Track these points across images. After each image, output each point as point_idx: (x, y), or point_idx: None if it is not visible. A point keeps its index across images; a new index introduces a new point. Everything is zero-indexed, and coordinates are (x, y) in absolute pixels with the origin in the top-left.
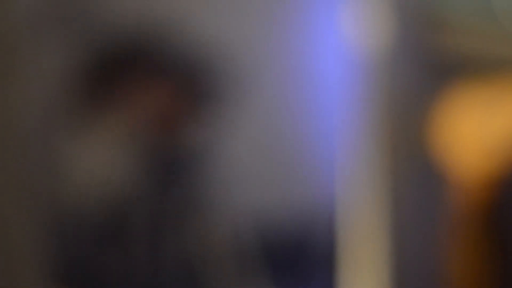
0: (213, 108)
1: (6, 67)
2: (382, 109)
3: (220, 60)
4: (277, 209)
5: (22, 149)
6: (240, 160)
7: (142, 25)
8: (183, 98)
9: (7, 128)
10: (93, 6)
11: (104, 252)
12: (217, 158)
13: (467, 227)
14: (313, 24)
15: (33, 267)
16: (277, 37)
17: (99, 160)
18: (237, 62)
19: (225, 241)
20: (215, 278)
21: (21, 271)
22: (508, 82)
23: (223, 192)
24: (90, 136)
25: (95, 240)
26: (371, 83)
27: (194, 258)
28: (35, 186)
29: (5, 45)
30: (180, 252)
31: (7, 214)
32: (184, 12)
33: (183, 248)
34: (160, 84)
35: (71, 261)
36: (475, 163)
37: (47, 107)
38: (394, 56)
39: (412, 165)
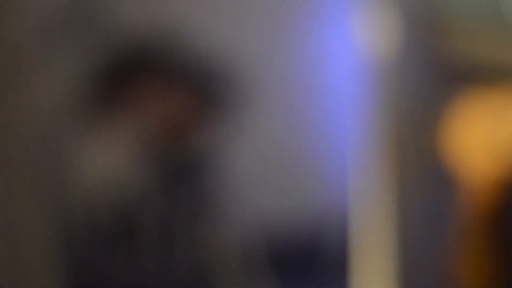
0: (223, 113)
1: (20, 73)
2: (391, 114)
3: (230, 66)
4: (287, 214)
5: (35, 151)
6: (249, 166)
7: (153, 32)
8: (193, 103)
9: (20, 131)
10: (104, 14)
11: (113, 255)
12: (226, 163)
13: (476, 230)
14: (322, 30)
15: (44, 269)
16: (286, 43)
17: (110, 163)
18: (247, 68)
19: (233, 245)
20: (223, 282)
21: (33, 273)
22: None
23: (232, 197)
24: (101, 140)
25: (104, 243)
26: (379, 88)
27: (203, 262)
28: (47, 188)
29: (19, 52)
30: (189, 255)
31: (19, 216)
32: (194, 19)
33: (192, 251)
34: (170, 89)
35: (80, 263)
36: (484, 167)
37: (59, 111)
38: (402, 62)
39: (422, 169)
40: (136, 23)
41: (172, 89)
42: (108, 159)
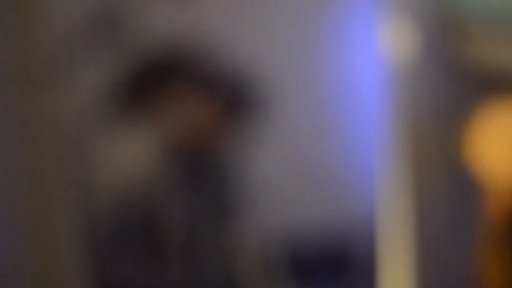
0: (247, 119)
1: (53, 77)
2: (414, 120)
3: (254, 71)
4: (310, 221)
5: (66, 150)
6: (272, 172)
7: (178, 39)
8: (216, 108)
9: (51, 133)
10: (132, 22)
11: (137, 254)
12: (249, 169)
13: (499, 233)
14: (346, 36)
15: (72, 270)
16: (310, 49)
17: (135, 163)
18: (272, 73)
19: (254, 252)
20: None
21: (61, 274)
22: None
23: (254, 203)
24: (127, 140)
25: (128, 243)
26: (402, 95)
27: (224, 266)
28: (76, 187)
29: (53, 57)
30: (212, 258)
31: (50, 216)
32: (218, 26)
33: (214, 255)
34: (194, 94)
35: (105, 264)
36: (507, 172)
37: (89, 113)
38: (424, 68)
39: (446, 175)
40: (162, 32)
41: (196, 94)
42: (134, 159)
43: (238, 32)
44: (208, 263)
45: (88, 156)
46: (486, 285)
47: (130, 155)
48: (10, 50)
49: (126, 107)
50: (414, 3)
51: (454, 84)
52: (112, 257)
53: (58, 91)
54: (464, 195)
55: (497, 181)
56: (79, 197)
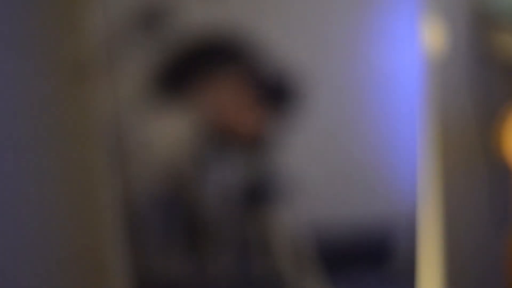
0: (285, 112)
1: (103, 66)
2: (449, 114)
3: (294, 65)
4: (345, 216)
5: (109, 136)
6: (308, 166)
7: (219, 30)
8: (254, 98)
9: (98, 121)
10: (172, 16)
11: (175, 243)
12: (284, 164)
13: None
14: (385, 32)
15: (113, 260)
16: (349, 44)
17: (174, 143)
18: (312, 68)
19: (290, 244)
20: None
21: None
22: None
23: (290, 194)
24: (166, 123)
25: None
26: (437, 88)
27: (258, 255)
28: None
29: (103, 48)
30: (245, 246)
31: (97, 199)
32: (259, 19)
33: (248, 243)
34: (233, 82)
35: (147, 252)
36: None
37: (133, 98)
38: (456, 62)
39: (481, 166)
40: (201, 25)
41: (234, 82)
42: (173, 142)
43: (279, 26)
44: (244, 253)
45: (130, 139)
46: None
47: (170, 138)
48: (59, 44)
49: (167, 92)
50: (446, 1)
51: (488, 77)
52: (151, 246)
53: (103, 81)
54: (500, 189)
55: None
56: (122, 183)
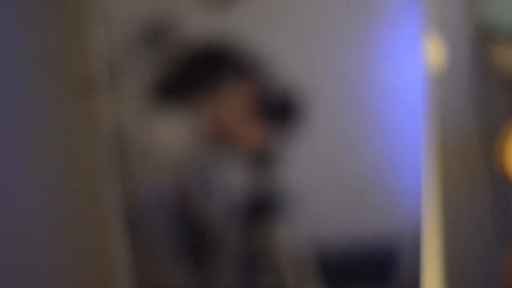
0: (287, 125)
1: (105, 83)
2: (451, 128)
3: (295, 79)
4: (344, 234)
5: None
6: (310, 178)
7: (222, 41)
8: (253, 110)
9: (104, 129)
10: (176, 27)
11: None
12: (285, 176)
13: None
14: (386, 46)
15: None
16: (350, 59)
17: (175, 143)
18: (314, 81)
19: (291, 256)
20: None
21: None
22: None
23: (291, 206)
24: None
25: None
26: (437, 102)
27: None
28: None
29: (109, 62)
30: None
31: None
32: (261, 31)
33: (250, 253)
34: (234, 95)
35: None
36: None
37: (140, 102)
38: (456, 76)
39: (483, 179)
40: (204, 35)
41: (236, 96)
42: (174, 147)
43: (282, 40)
44: (247, 267)
45: (134, 148)
46: None
47: (173, 146)
48: (66, 60)
49: (170, 101)
50: (446, 15)
51: (489, 91)
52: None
53: (107, 93)
54: (503, 203)
55: None
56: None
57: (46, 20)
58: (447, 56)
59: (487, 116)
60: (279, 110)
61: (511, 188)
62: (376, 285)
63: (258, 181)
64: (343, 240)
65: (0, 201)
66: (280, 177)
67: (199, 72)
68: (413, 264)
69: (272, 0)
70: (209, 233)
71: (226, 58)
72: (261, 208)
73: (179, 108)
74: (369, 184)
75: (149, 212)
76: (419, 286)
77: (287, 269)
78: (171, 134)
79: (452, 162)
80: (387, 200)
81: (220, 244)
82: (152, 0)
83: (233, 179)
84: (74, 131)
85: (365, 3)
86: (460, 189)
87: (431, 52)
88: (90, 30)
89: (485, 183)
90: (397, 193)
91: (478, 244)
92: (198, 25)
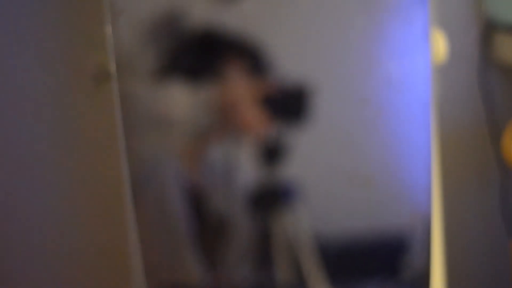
0: (292, 118)
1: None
2: (459, 119)
3: (301, 72)
4: (353, 228)
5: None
6: (317, 170)
7: (226, 31)
8: (262, 103)
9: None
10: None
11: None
12: (294, 169)
13: None
14: (393, 41)
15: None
16: (358, 52)
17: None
18: (319, 76)
19: (301, 248)
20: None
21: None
22: None
23: (299, 198)
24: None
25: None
26: (443, 95)
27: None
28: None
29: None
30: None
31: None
32: (266, 24)
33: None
34: (241, 82)
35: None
36: None
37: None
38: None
39: (491, 174)
40: (210, 26)
41: (243, 83)
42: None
43: (290, 34)
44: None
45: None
46: None
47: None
48: (82, 56)
49: (182, 79)
50: (448, 10)
51: (498, 84)
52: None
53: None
54: (511, 193)
55: None
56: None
57: (65, 11)
58: (455, 48)
59: (494, 108)
60: (286, 100)
61: None
62: (385, 279)
63: (265, 171)
64: (350, 233)
65: (21, 180)
66: (286, 168)
67: (208, 54)
68: (422, 258)
69: None
70: (218, 222)
71: (232, 46)
72: (269, 201)
73: (188, 85)
74: (377, 176)
75: (163, 201)
76: (428, 280)
77: (299, 261)
78: (181, 110)
79: (459, 154)
80: (397, 193)
81: (229, 234)
82: None
83: (240, 166)
84: (89, 124)
85: None
86: (467, 181)
87: (439, 45)
88: (104, 28)
89: (493, 175)
90: (406, 185)
91: (486, 237)
92: (205, 16)
